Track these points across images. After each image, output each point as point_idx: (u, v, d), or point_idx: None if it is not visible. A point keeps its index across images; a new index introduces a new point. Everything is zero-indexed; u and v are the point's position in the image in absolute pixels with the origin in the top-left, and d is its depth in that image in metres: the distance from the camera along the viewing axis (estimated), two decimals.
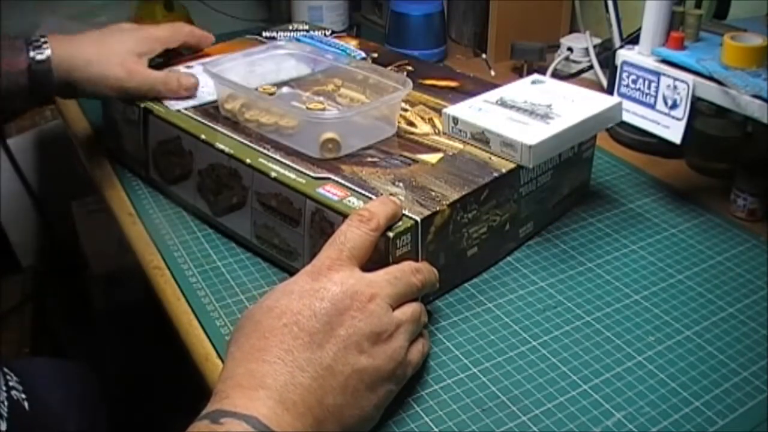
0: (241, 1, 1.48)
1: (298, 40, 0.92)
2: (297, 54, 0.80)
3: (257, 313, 0.47)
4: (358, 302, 0.47)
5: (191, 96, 0.76)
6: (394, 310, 0.49)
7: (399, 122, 0.70)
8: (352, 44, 0.92)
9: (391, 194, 0.58)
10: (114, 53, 0.74)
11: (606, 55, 0.97)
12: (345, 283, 0.48)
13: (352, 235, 0.51)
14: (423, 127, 0.70)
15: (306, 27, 0.97)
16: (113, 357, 1.28)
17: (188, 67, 0.82)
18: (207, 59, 0.80)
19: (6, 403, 0.63)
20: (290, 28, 0.97)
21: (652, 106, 0.70)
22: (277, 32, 0.95)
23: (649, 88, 0.70)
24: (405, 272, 0.51)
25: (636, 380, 0.53)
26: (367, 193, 0.59)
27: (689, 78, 0.66)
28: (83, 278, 1.36)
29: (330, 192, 0.59)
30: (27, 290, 1.29)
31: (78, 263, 1.36)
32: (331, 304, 0.46)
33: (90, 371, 0.87)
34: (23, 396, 0.67)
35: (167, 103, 0.74)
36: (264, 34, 0.94)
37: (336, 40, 0.94)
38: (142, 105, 0.74)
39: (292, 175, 0.61)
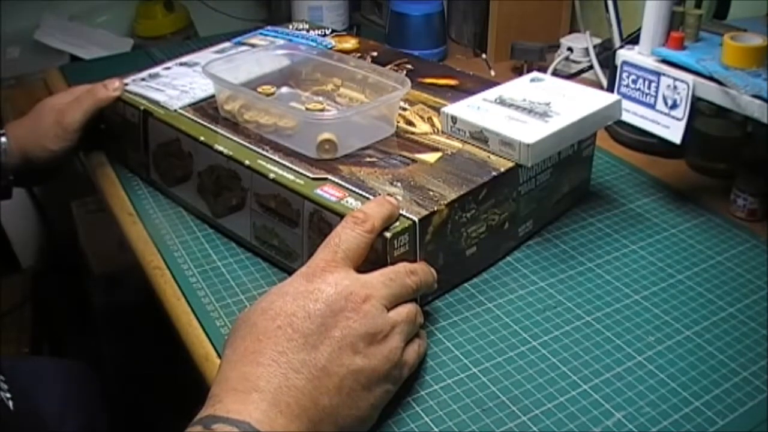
0: (241, 1, 1.48)
1: (263, 34, 0.93)
2: (272, 49, 0.81)
3: (252, 315, 0.47)
4: (353, 303, 0.47)
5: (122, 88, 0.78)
6: (389, 311, 0.49)
7: (398, 121, 0.70)
8: (350, 43, 0.92)
9: (389, 194, 0.58)
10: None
11: (606, 55, 0.97)
12: (339, 284, 0.48)
13: (346, 237, 0.51)
14: (422, 126, 0.70)
15: (306, 26, 0.97)
16: (113, 357, 1.28)
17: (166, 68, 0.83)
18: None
19: None
20: (290, 27, 0.97)
21: (652, 106, 0.70)
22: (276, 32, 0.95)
23: (649, 88, 0.70)
24: (400, 273, 0.51)
25: (636, 380, 0.53)
26: (365, 194, 0.59)
27: (689, 78, 0.66)
28: (83, 278, 1.36)
29: (328, 193, 0.59)
30: (27, 290, 1.29)
31: (78, 263, 1.36)
32: (325, 306, 0.46)
33: (90, 371, 0.87)
34: (8, 396, 0.67)
35: (167, 103, 0.74)
36: None
37: (308, 33, 0.95)
38: (142, 107, 0.74)
39: (291, 176, 0.61)
